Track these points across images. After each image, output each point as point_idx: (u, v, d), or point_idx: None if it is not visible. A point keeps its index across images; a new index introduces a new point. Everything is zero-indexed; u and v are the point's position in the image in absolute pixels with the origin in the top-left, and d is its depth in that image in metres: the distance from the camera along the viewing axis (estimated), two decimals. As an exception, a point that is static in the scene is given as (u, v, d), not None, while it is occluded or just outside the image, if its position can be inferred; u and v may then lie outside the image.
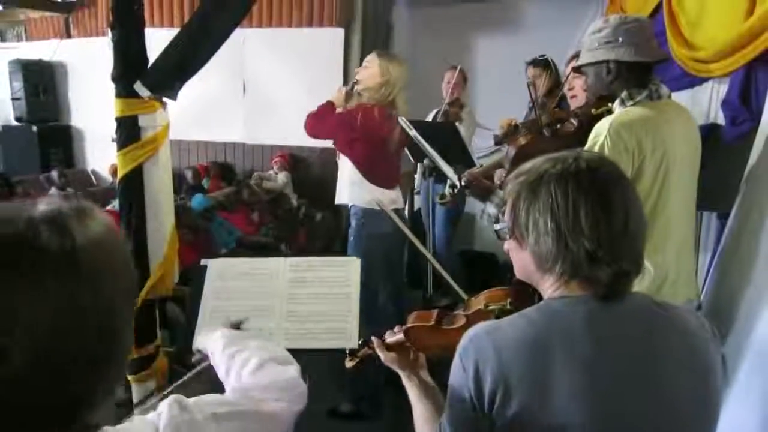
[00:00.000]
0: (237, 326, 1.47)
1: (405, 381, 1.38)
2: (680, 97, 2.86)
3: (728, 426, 1.68)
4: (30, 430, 0.64)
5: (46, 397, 0.63)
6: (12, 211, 0.65)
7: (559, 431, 0.99)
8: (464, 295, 1.58)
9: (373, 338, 1.48)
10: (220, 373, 1.20)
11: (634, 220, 1.05)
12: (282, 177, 6.04)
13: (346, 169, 3.15)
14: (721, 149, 2.43)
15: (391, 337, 1.45)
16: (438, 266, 1.86)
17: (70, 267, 0.64)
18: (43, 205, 0.67)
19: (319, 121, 3.11)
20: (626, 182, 1.10)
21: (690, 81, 2.79)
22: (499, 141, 3.03)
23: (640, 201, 1.10)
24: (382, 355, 1.43)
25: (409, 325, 1.43)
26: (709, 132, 2.55)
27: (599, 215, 1.02)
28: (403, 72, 3.09)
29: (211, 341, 1.31)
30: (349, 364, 1.58)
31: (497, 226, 1.35)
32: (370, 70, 3.04)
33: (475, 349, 1.05)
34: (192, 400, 0.88)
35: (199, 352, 1.42)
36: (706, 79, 2.65)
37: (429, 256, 2.06)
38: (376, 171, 3.09)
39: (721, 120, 2.48)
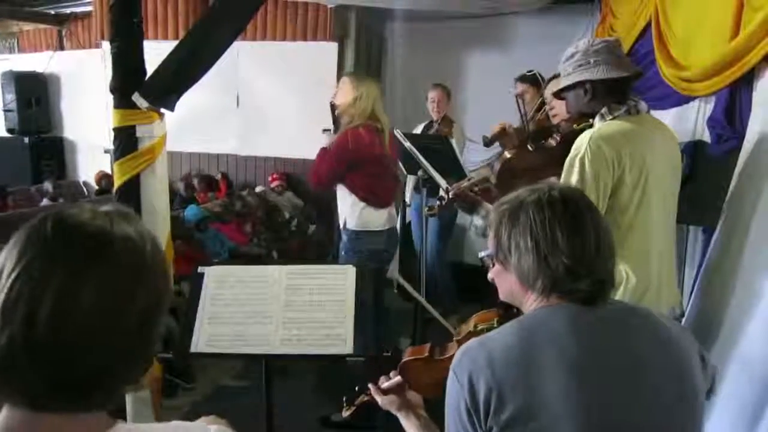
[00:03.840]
0: None
1: (403, 420, 1.43)
2: (668, 115, 2.93)
3: (714, 433, 1.72)
4: (49, 399, 0.70)
5: (64, 367, 0.69)
6: (92, 207, 0.76)
7: (551, 430, 1.03)
8: (450, 328, 1.63)
9: (369, 385, 1.52)
10: None
11: (604, 241, 1.15)
12: (289, 196, 6.09)
13: (345, 193, 3.19)
14: (706, 165, 2.49)
15: (387, 382, 1.49)
16: (423, 302, 1.89)
17: (136, 257, 0.73)
18: (112, 205, 0.78)
19: (317, 168, 3.16)
20: (595, 210, 1.21)
21: (678, 99, 2.86)
22: (487, 143, 3.10)
23: (609, 226, 1.20)
24: (379, 399, 1.48)
25: (403, 360, 1.46)
26: (695, 149, 2.61)
27: (574, 236, 1.12)
28: (373, 85, 3.18)
29: None
30: (346, 413, 1.61)
31: (482, 254, 1.42)
32: (343, 91, 3.14)
33: (468, 361, 1.10)
34: None
35: None
36: (693, 98, 2.72)
37: (419, 297, 2.08)
38: (375, 193, 3.15)
39: (707, 137, 2.54)
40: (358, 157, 3.04)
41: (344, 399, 1.61)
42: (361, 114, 3.07)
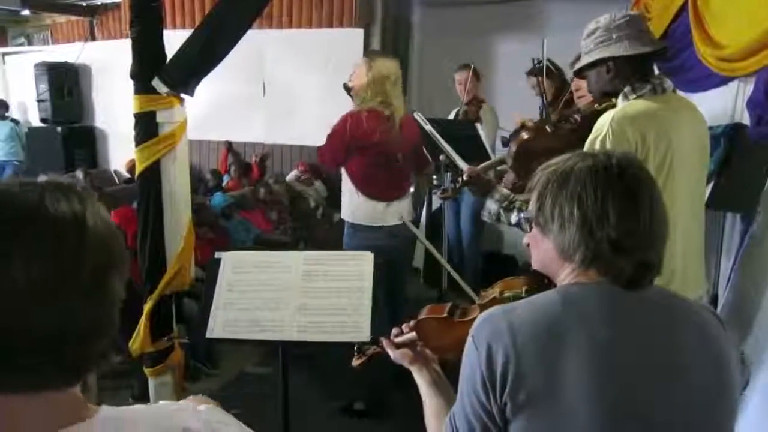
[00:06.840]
0: None
1: (416, 375, 1.35)
2: (706, 96, 2.81)
3: (749, 429, 1.64)
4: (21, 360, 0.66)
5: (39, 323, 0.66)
6: (24, 180, 0.73)
7: (569, 415, 0.97)
8: (475, 297, 1.54)
9: (382, 338, 1.45)
10: None
11: (658, 219, 1.05)
12: (317, 185, 6.09)
13: (346, 180, 3.08)
14: (746, 150, 2.37)
15: (400, 336, 1.42)
16: (451, 270, 1.85)
17: (79, 230, 0.70)
18: (54, 180, 0.75)
19: (323, 147, 3.01)
20: (653, 183, 1.10)
21: (716, 81, 2.74)
22: (506, 142, 3.00)
23: (664, 203, 1.09)
24: (391, 352, 1.40)
25: (420, 317, 1.38)
26: (733, 132, 2.49)
27: (627, 209, 1.03)
28: (391, 67, 2.97)
29: None
30: (356, 362, 1.54)
31: (517, 216, 1.29)
32: (358, 73, 2.98)
33: (490, 328, 1.03)
34: None
35: None
36: (731, 79, 2.59)
37: (443, 261, 2.03)
38: (371, 182, 2.98)
39: (747, 120, 2.42)
40: (355, 142, 2.89)
41: (355, 348, 1.54)
42: (372, 98, 2.91)
